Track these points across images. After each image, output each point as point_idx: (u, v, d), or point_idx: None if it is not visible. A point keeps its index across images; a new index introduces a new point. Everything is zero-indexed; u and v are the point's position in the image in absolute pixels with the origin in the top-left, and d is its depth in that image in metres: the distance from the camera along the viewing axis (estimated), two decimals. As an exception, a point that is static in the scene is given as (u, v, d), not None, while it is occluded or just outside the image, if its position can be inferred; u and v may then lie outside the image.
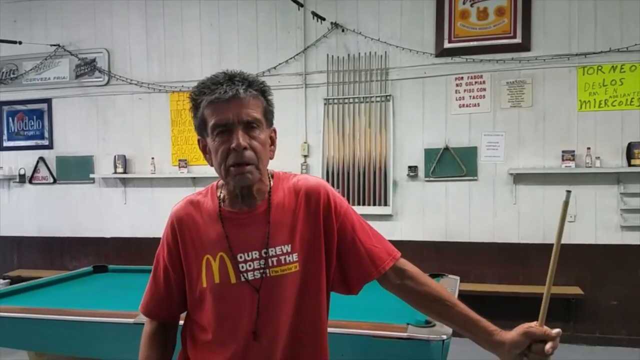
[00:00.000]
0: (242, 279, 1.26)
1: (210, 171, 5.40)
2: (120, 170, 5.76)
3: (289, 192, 1.34)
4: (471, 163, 4.96)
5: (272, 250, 1.27)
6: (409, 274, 1.33)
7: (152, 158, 5.74)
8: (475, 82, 4.97)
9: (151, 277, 1.41)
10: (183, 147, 5.72)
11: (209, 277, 1.28)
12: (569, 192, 1.13)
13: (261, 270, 1.26)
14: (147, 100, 5.83)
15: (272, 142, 1.32)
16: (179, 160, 5.66)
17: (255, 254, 1.27)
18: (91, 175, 5.93)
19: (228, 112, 1.21)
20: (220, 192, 1.35)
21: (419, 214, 5.11)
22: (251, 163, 1.23)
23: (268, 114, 1.29)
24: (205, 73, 5.47)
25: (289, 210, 1.31)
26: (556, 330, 1.17)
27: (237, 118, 1.21)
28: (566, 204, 1.12)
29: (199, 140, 1.33)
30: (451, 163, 5.00)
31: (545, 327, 1.18)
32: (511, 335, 1.20)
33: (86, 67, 5.95)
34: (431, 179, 5.06)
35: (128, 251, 5.78)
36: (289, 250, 1.28)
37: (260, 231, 1.28)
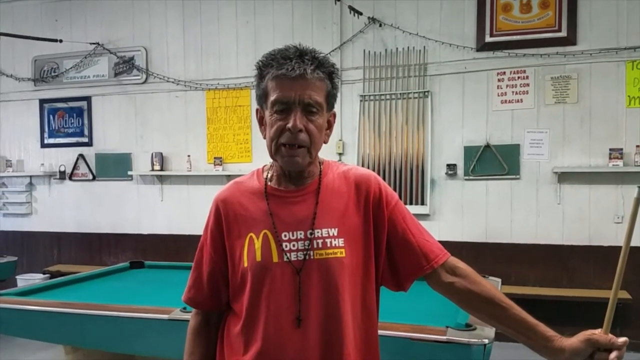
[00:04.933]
0: (285, 259, 1.24)
1: (245, 169, 5.48)
2: (157, 167, 5.84)
3: (339, 177, 1.34)
4: (513, 161, 4.88)
5: (317, 232, 1.26)
6: (462, 272, 1.30)
7: (188, 156, 5.79)
8: (518, 77, 4.89)
9: (194, 265, 1.41)
10: (218, 145, 5.76)
11: (250, 255, 1.27)
12: None
13: (305, 252, 1.24)
14: (184, 98, 5.90)
15: (330, 126, 1.33)
16: (215, 158, 5.71)
17: (300, 234, 1.26)
18: (129, 173, 6.03)
19: (291, 90, 1.21)
20: (268, 173, 1.36)
21: (457, 213, 5.04)
22: (303, 145, 1.23)
23: (331, 97, 1.30)
24: (241, 71, 5.69)
25: (338, 194, 1.31)
26: (623, 339, 1.11)
27: (299, 98, 1.21)
28: (638, 200, 1.05)
29: (257, 110, 1.35)
30: (492, 161, 4.93)
31: (611, 335, 1.12)
32: (572, 342, 1.15)
33: (125, 65, 6.05)
34: (471, 177, 5.00)
35: (164, 248, 5.85)
36: (335, 234, 1.26)
37: (307, 211, 1.28)
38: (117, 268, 4.22)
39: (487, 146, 4.94)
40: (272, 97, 1.23)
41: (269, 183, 1.34)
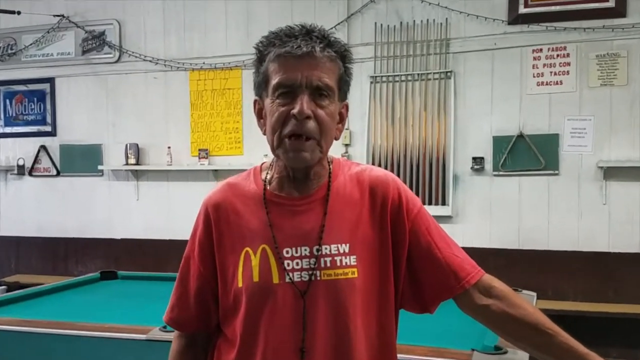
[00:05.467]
0: (287, 279, 1.23)
1: (235, 163, 5.51)
2: (132, 161, 5.84)
3: (351, 181, 1.32)
4: (551, 154, 4.88)
5: (326, 248, 1.24)
6: (499, 292, 1.28)
7: (169, 147, 5.80)
8: (558, 56, 4.87)
9: (178, 279, 1.39)
10: (204, 135, 5.76)
11: (246, 274, 1.26)
12: None
13: (310, 272, 1.23)
14: (164, 79, 5.89)
15: (342, 119, 1.31)
16: (199, 150, 5.70)
17: (305, 250, 1.25)
18: (99, 167, 6.02)
19: (297, 71, 1.20)
20: (267, 174, 1.35)
21: (485, 215, 5.04)
22: (312, 137, 1.21)
23: (343, 84, 1.28)
24: (230, 48, 5.65)
25: (351, 202, 1.29)
26: None
27: (307, 80, 1.20)
28: None
29: (255, 102, 1.33)
30: (526, 153, 4.92)
31: None
32: None
33: (94, 42, 6.03)
34: (501, 172, 4.99)
35: (140, 255, 5.85)
36: (347, 250, 1.25)
37: (313, 222, 1.26)
38: (85, 279, 4.23)
39: (520, 136, 4.93)
40: (274, 80, 1.22)
41: (268, 187, 1.32)
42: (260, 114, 1.31)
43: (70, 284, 4.05)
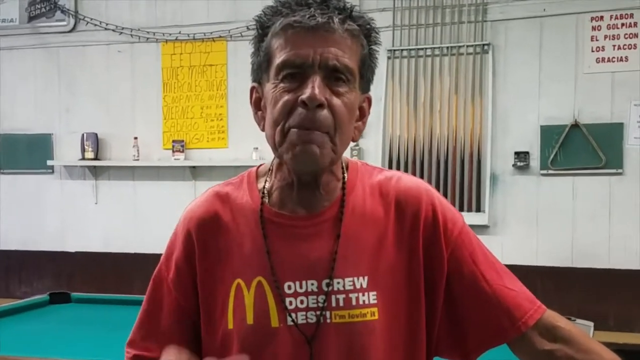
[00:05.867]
0: (289, 322, 1.22)
1: (218, 158, 5.52)
2: (90, 155, 5.82)
3: (372, 193, 1.30)
4: (614, 148, 4.88)
5: (338, 283, 1.22)
6: (565, 334, 1.24)
7: (135, 138, 5.79)
8: (622, 25, 4.86)
9: (146, 307, 1.37)
10: (179, 123, 5.76)
11: (238, 314, 1.24)
12: None
13: (318, 312, 1.21)
14: (130, 53, 5.88)
15: (362, 115, 1.29)
16: (173, 141, 5.70)
17: (312, 284, 1.22)
18: (49, 162, 6.01)
19: (309, 46, 1.16)
20: (265, 182, 1.32)
21: (530, 225, 5.02)
22: (325, 131, 1.17)
23: (367, 69, 1.25)
24: (213, 14, 5.63)
25: (371, 222, 1.26)
26: None
27: (321, 58, 1.16)
28: None
29: (252, 90, 1.30)
30: (582, 148, 4.92)
31: None
32: None
33: (43, 6, 6.01)
34: (550, 171, 4.99)
35: (99, 273, 5.84)
36: (365, 285, 1.22)
37: (323, 249, 1.23)
38: (31, 303, 4.21)
39: (575, 126, 4.93)
40: (278, 59, 1.18)
41: (266, 201, 1.29)
42: (258, 105, 1.28)
43: (12, 309, 4.02)
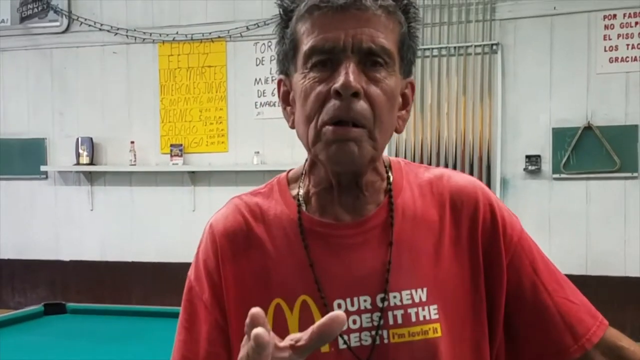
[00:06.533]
0: (341, 345, 1.13)
1: (218, 162, 5.50)
2: (85, 160, 5.79)
3: (422, 193, 1.20)
4: (629, 151, 4.88)
5: (394, 297, 1.13)
6: (631, 355, 1.18)
7: (132, 142, 5.76)
8: (637, 24, 4.86)
9: (182, 329, 1.27)
10: (177, 126, 5.73)
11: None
12: None
13: (373, 332, 1.13)
14: (125, 54, 5.86)
15: (406, 102, 1.18)
16: (171, 145, 5.67)
17: (365, 301, 1.13)
18: (43, 168, 5.99)
19: (339, 29, 1.06)
20: (299, 187, 1.22)
21: (542, 231, 5.00)
22: (361, 124, 1.06)
23: (407, 50, 1.14)
24: (212, 14, 5.64)
25: (425, 225, 1.18)
26: None
27: (353, 40, 1.06)
28: None
29: (279, 82, 1.21)
30: (596, 151, 4.91)
31: None
32: None
33: (36, 6, 5.99)
34: (563, 175, 4.98)
35: (96, 282, 5.82)
36: (425, 298, 1.14)
37: (375, 260, 1.14)
38: (24, 314, 4.09)
39: (588, 128, 4.91)
40: (305, 46, 1.08)
41: (304, 208, 1.19)
42: (286, 99, 1.18)
43: (5, 321, 3.90)
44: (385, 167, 1.22)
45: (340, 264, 1.15)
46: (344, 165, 1.11)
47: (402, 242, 1.16)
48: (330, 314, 0.90)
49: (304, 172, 1.23)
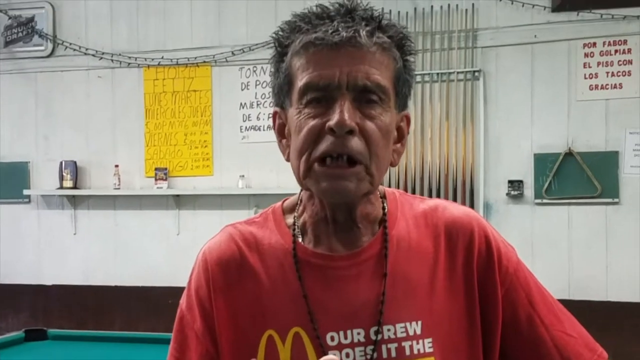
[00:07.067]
0: None
1: (203, 186, 5.50)
2: (68, 184, 5.76)
3: (417, 224, 1.21)
4: (609, 177, 4.89)
5: (389, 330, 1.13)
6: None
7: (116, 166, 5.73)
8: (616, 52, 4.88)
9: (173, 354, 1.25)
10: (162, 150, 5.71)
11: None
12: None
13: None
14: (110, 78, 5.84)
15: (401, 136, 1.19)
16: (156, 169, 5.65)
17: (359, 334, 1.13)
18: (26, 192, 5.95)
19: (334, 66, 1.06)
20: (295, 218, 1.22)
21: (525, 255, 4.76)
22: (357, 160, 1.07)
23: (402, 84, 1.15)
24: (197, 39, 5.68)
25: (420, 257, 1.18)
26: None
27: (348, 78, 1.06)
28: None
29: (274, 115, 1.21)
30: (577, 176, 4.93)
31: None
32: None
33: (20, 30, 5.98)
34: (545, 200, 5.00)
35: (79, 307, 5.76)
36: (419, 331, 1.13)
37: (369, 292, 1.14)
38: (4, 340, 4.10)
39: (569, 154, 4.93)
40: (300, 82, 1.09)
41: (299, 239, 1.19)
42: (282, 132, 1.19)
43: (-16, 347, 3.96)
44: (380, 197, 1.22)
45: (334, 296, 1.15)
46: (337, 198, 1.11)
47: (397, 273, 1.15)
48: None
49: (299, 202, 1.23)
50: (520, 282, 1.19)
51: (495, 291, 1.17)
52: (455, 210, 1.23)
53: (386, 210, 1.21)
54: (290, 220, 1.23)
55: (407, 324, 1.13)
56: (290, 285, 1.16)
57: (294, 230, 1.21)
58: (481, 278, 1.17)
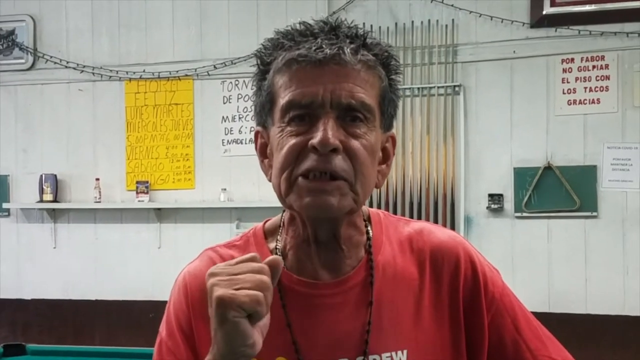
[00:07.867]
0: None
1: (184, 199, 5.48)
2: (48, 197, 5.72)
3: (402, 249, 1.18)
4: (588, 190, 4.90)
5: None
6: None
7: (97, 179, 5.69)
8: (594, 67, 4.90)
9: None
10: (143, 163, 5.69)
11: None
12: None
13: None
14: (91, 92, 5.82)
15: (386, 157, 1.16)
16: (137, 182, 5.62)
17: None
18: (5, 205, 5.90)
19: (317, 84, 1.03)
20: (277, 241, 1.19)
21: (505, 268, 4.83)
22: (341, 177, 1.04)
23: (388, 103, 1.12)
24: (179, 52, 5.68)
25: (405, 284, 1.16)
26: None
27: (332, 95, 1.04)
28: None
29: (256, 134, 1.18)
30: (556, 190, 4.94)
31: None
32: None
33: (0, 43, 5.96)
34: (525, 214, 5.00)
35: (59, 322, 5.71)
36: None
37: (354, 321, 1.12)
38: None
39: (548, 168, 4.94)
40: (283, 99, 1.06)
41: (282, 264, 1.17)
42: (263, 152, 1.15)
43: (-39, 364, 3.83)
44: (365, 220, 1.19)
45: (319, 325, 1.12)
46: (319, 213, 1.07)
47: (382, 301, 1.13)
48: None
49: (281, 225, 1.19)
50: (506, 307, 1.18)
51: (481, 317, 1.16)
52: (441, 234, 1.20)
53: (371, 234, 1.18)
54: (272, 244, 1.19)
55: (393, 353, 1.11)
56: (273, 313, 1.09)
57: (276, 254, 1.16)
58: (467, 304, 1.15)
